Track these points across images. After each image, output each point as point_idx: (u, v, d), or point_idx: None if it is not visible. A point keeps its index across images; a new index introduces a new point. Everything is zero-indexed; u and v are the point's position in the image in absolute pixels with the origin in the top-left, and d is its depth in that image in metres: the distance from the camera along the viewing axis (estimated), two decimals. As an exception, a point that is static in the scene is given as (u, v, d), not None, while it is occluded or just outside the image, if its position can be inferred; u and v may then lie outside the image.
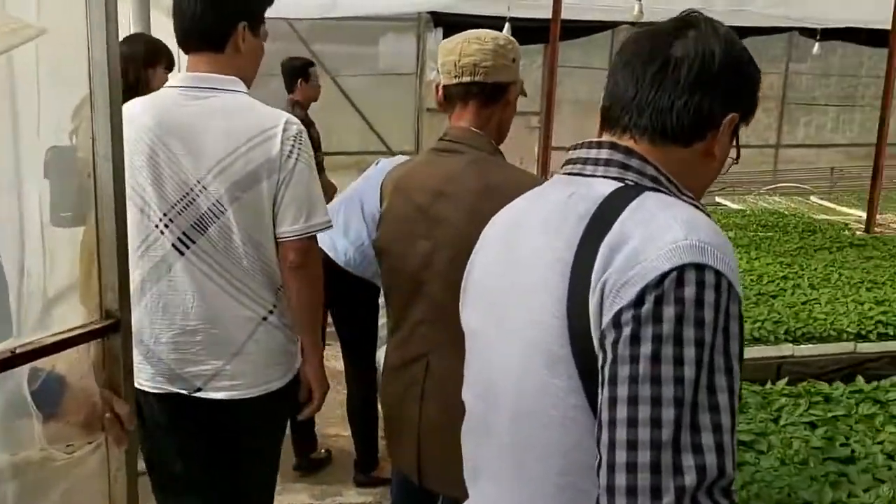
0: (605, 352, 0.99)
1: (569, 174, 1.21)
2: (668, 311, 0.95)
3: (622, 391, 0.95)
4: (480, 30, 2.09)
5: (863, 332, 3.77)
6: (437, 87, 2.12)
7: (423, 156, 2.26)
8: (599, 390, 1.00)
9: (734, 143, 1.20)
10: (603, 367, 0.99)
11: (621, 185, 1.13)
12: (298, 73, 5.25)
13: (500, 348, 1.19)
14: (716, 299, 0.96)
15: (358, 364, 3.90)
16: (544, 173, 5.25)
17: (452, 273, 1.56)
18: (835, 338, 3.77)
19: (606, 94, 1.20)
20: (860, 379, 2.85)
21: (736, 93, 1.16)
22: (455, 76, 2.04)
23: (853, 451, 2.23)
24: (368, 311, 3.46)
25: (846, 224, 7.37)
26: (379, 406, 2.86)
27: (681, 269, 0.96)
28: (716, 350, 0.95)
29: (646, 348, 0.94)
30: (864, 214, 7.38)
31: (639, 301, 0.96)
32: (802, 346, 3.69)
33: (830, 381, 2.92)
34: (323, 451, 4.23)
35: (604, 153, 1.16)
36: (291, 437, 3.91)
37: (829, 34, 10.59)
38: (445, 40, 2.11)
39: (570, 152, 1.21)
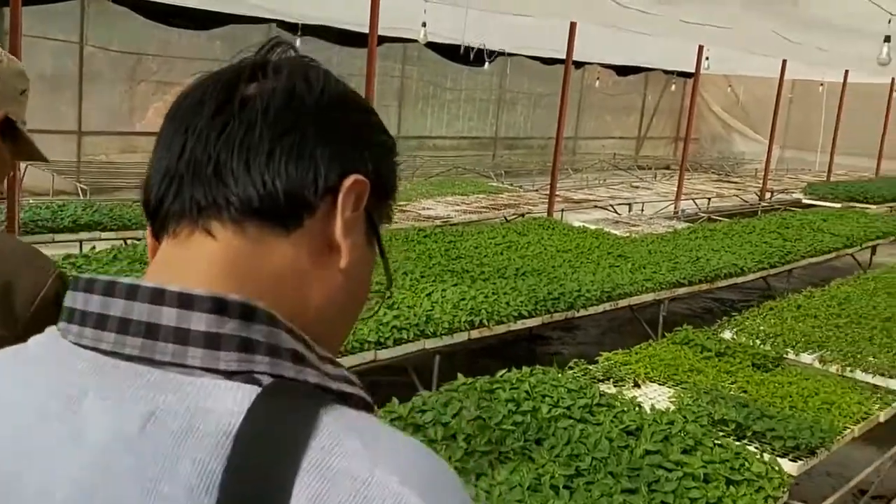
0: None
1: (112, 354, 0.61)
2: None
3: None
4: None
5: (381, 341, 3.83)
6: None
7: None
8: None
9: (377, 240, 0.75)
10: None
11: (255, 388, 0.59)
12: None
13: None
14: None
15: None
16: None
17: None
18: (358, 349, 3.75)
19: (153, 179, 0.69)
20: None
21: (351, 141, 0.71)
22: None
23: None
24: None
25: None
26: None
27: None
28: None
29: None
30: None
31: None
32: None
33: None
34: None
35: (197, 311, 0.60)
36: None
37: (307, 30, 11.11)
38: None
39: (88, 299, 0.63)
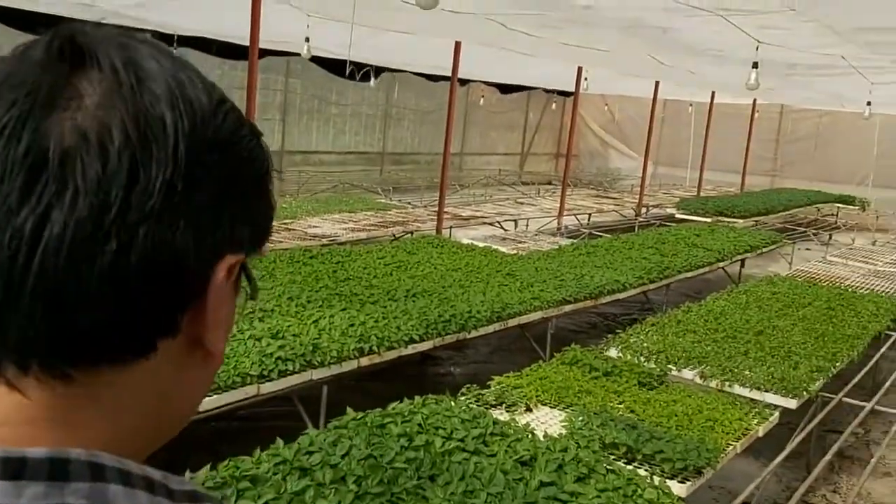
0: None
1: None
2: None
3: None
4: None
5: (265, 374, 3.63)
6: None
7: None
8: None
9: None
10: None
11: None
12: None
13: None
14: None
15: None
16: None
17: None
18: (239, 383, 3.53)
19: None
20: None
21: (227, 206, 0.52)
22: None
23: None
24: None
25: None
26: None
27: None
28: None
29: None
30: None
31: None
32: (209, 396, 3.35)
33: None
34: None
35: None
36: None
37: (184, 42, 10.65)
38: None
39: None
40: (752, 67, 5.65)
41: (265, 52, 13.36)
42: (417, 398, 3.27)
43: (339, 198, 11.72)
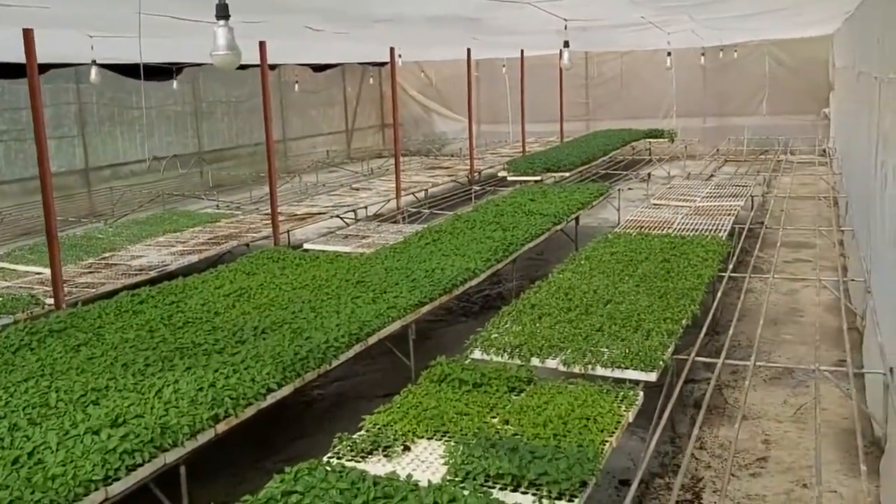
0: None
1: None
2: None
3: None
4: None
5: (111, 474, 3.23)
6: None
7: None
8: None
9: None
10: None
11: None
12: None
13: None
14: None
15: None
16: None
17: None
18: (82, 494, 3.12)
19: None
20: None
21: None
22: None
23: None
24: None
25: (32, 294, 6.61)
26: None
27: None
28: None
29: None
30: (45, 270, 6.82)
31: None
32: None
33: None
34: None
35: None
36: None
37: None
38: None
39: None
40: (564, 47, 5.71)
41: (48, 67, 12.04)
42: (288, 474, 3.03)
43: (160, 215, 10.87)
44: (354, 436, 3.64)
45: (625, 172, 14.47)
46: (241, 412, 3.89)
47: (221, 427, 3.78)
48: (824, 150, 15.70)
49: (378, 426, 3.71)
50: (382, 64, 19.00)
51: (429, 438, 3.61)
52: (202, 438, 3.67)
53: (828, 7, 7.34)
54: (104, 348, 4.73)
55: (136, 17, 4.53)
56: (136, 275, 7.50)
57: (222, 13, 3.64)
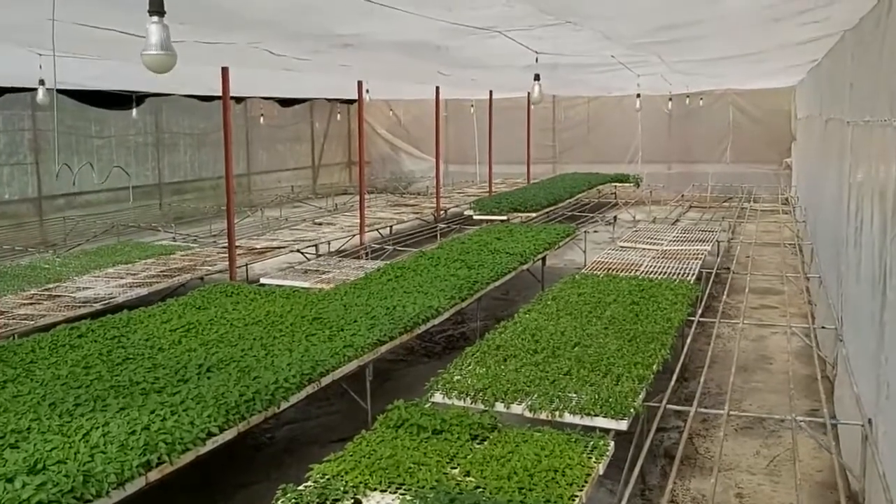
0: None
1: None
2: None
3: None
4: None
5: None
6: None
7: None
8: None
9: None
10: None
11: None
12: None
13: None
14: None
15: None
16: None
17: None
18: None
19: None
20: None
21: None
22: None
23: None
24: None
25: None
26: None
27: None
28: None
29: None
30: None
31: None
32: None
33: None
34: None
35: None
36: None
37: None
38: None
39: None
40: (535, 80, 5.59)
41: (2, 91, 11.64)
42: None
43: (112, 247, 10.43)
44: (300, 487, 3.32)
45: (591, 215, 14.42)
46: (177, 459, 3.54)
47: (153, 475, 3.42)
48: (787, 199, 15.87)
49: (327, 477, 3.39)
50: (351, 101, 18.86)
51: (382, 491, 3.30)
52: (131, 488, 3.31)
53: (797, 53, 7.38)
54: (32, 385, 4.34)
55: (69, 30, 4.25)
56: (79, 307, 7.08)
57: (156, 8, 3.31)
